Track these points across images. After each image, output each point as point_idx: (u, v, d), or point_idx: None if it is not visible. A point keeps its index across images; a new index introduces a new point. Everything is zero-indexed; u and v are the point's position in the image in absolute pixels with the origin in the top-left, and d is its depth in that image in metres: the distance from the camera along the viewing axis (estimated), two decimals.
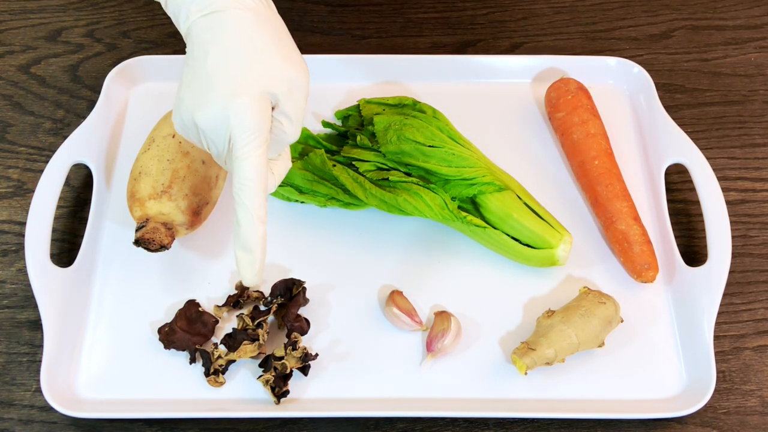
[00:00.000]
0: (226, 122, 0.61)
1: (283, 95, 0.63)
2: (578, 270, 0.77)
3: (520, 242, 0.75)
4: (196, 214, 0.74)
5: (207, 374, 0.71)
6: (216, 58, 0.62)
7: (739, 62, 0.93)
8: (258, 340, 0.71)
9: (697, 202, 0.78)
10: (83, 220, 0.79)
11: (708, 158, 0.79)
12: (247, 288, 0.75)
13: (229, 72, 0.62)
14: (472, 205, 0.77)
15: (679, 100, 0.90)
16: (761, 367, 0.73)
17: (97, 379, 0.71)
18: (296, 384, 0.71)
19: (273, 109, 0.64)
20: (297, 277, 0.75)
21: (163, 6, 0.67)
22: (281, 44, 0.65)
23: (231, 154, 0.62)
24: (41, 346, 0.72)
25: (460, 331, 0.73)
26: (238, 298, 0.74)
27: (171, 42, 0.94)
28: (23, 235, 0.76)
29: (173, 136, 0.75)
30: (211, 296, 0.75)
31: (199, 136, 0.64)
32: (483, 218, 0.76)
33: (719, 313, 0.73)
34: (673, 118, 0.83)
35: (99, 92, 0.84)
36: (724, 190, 0.78)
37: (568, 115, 0.82)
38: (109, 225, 0.79)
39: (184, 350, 0.72)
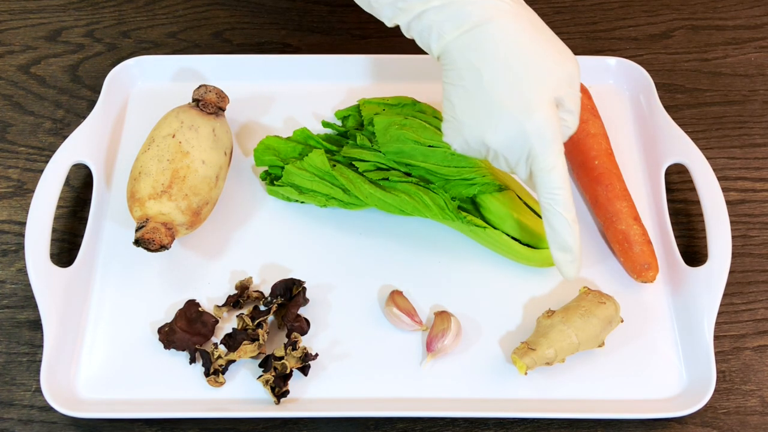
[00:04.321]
0: (523, 139, 0.62)
1: (566, 94, 0.63)
2: None
3: (520, 242, 0.75)
4: (196, 214, 0.74)
5: (207, 374, 0.71)
6: (493, 76, 0.61)
7: (739, 62, 0.93)
8: (258, 340, 0.71)
9: (697, 202, 0.78)
10: (83, 220, 0.79)
11: (708, 158, 0.79)
12: (247, 288, 0.75)
13: (512, 88, 0.61)
14: (472, 205, 0.77)
15: (679, 100, 0.90)
16: (761, 367, 0.73)
17: (97, 379, 0.71)
18: (296, 384, 0.71)
19: (557, 107, 0.64)
20: (297, 277, 0.75)
21: (403, 31, 0.65)
22: (547, 40, 0.63)
23: (533, 165, 0.63)
24: (41, 346, 0.72)
25: (460, 331, 0.73)
26: (238, 298, 0.74)
27: (171, 42, 0.94)
28: (23, 235, 0.76)
29: (173, 136, 0.75)
30: (211, 296, 0.75)
31: (488, 154, 0.65)
32: (483, 218, 0.76)
33: (719, 313, 0.73)
34: (673, 118, 0.83)
35: (99, 92, 0.84)
36: (724, 190, 0.78)
37: None
38: (109, 225, 0.79)
39: (184, 350, 0.72)
